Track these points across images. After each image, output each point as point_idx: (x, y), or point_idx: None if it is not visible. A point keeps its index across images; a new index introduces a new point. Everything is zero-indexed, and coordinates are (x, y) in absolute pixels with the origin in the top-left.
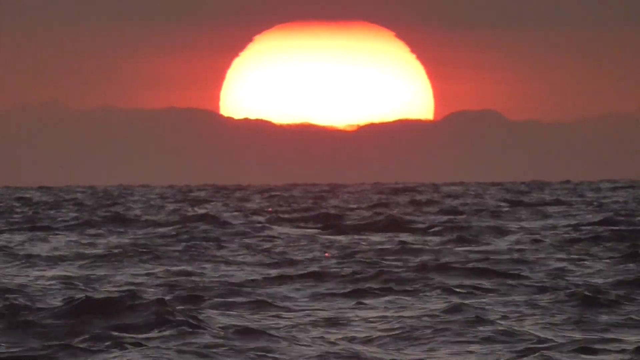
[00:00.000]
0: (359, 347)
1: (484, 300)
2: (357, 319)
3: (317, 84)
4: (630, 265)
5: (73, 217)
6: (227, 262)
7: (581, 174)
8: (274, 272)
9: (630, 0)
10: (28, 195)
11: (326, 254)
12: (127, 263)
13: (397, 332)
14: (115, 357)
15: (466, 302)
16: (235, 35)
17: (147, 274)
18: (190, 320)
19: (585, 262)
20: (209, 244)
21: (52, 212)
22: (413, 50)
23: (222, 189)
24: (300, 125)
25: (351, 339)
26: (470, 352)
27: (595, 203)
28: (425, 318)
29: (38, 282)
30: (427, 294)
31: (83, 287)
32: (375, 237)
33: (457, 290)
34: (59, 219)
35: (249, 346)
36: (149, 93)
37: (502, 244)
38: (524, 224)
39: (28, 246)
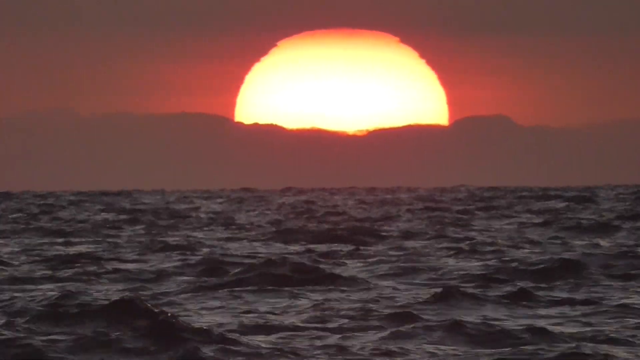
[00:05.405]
0: None
1: None
2: None
3: (327, 89)
4: None
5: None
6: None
7: (591, 179)
8: None
9: None
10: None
11: None
12: None
13: None
14: None
15: None
16: (258, 41)
17: None
18: None
19: None
20: None
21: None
22: (422, 56)
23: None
24: (310, 130)
25: None
26: None
27: None
28: None
29: None
30: None
31: None
32: None
33: None
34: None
35: None
36: (163, 98)
37: None
38: None
39: None
